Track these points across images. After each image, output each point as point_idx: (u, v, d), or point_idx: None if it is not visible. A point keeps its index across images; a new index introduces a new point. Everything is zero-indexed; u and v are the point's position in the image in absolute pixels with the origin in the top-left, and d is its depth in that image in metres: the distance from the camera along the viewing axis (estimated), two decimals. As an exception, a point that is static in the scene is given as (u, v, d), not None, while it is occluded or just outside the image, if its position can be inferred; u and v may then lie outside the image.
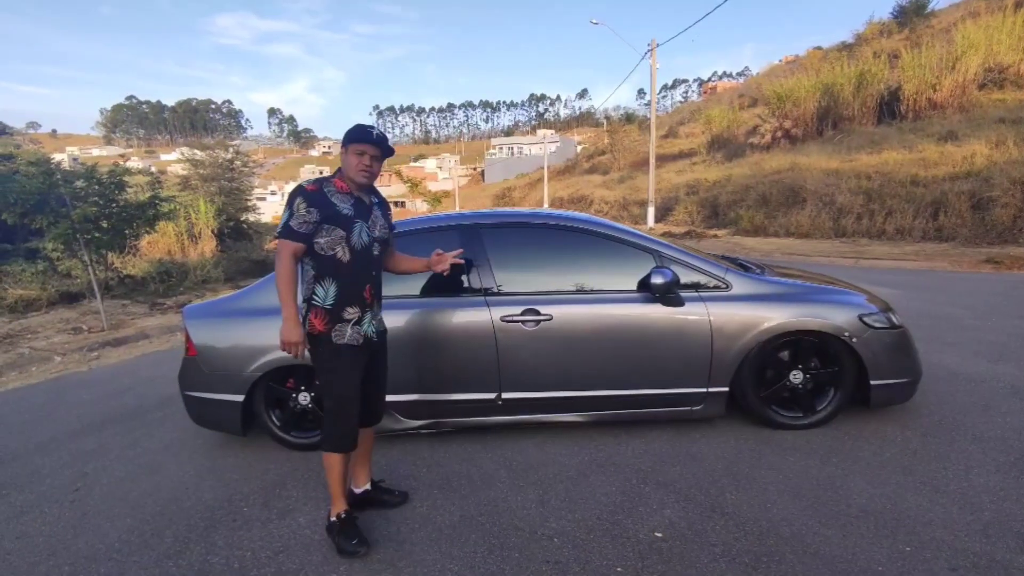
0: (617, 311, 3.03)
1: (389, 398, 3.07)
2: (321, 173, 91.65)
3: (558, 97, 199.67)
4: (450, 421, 3.21)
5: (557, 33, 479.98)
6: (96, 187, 6.97)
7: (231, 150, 34.56)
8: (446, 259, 2.58)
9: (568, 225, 3.19)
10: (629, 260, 3.12)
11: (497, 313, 3.02)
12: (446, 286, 3.12)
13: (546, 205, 40.88)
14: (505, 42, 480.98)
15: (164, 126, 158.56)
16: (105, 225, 6.90)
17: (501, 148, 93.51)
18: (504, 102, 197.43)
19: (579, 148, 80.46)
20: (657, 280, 2.88)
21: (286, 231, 2.21)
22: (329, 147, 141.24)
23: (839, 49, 35.16)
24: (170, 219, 12.14)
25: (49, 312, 8.32)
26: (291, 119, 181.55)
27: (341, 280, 2.27)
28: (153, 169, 38.60)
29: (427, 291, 3.14)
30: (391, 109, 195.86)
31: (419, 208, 39.34)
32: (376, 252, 2.37)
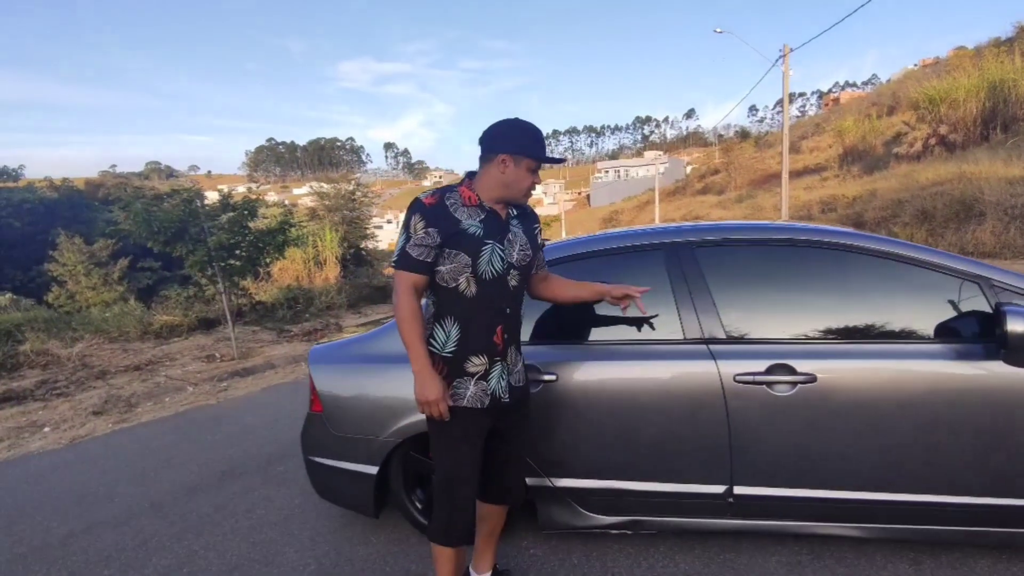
0: (931, 370, 1.96)
1: (567, 483, 2.25)
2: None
3: (664, 118, 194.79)
4: (654, 521, 2.27)
5: (663, 56, 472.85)
6: (231, 212, 7.00)
7: (352, 183, 36.85)
8: (630, 290, 1.99)
9: (842, 243, 2.17)
10: (942, 293, 2.05)
11: (728, 369, 2.07)
12: (648, 328, 2.24)
13: (657, 227, 38.93)
14: (609, 69, 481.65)
15: (296, 164, 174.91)
16: (239, 252, 6.92)
17: (607, 171, 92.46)
18: (608, 126, 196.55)
19: (688, 169, 77.64)
20: (1018, 326, 1.78)
21: (403, 259, 1.72)
22: (440, 176, 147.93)
23: (994, 45, 30.59)
24: (298, 245, 12.45)
25: (188, 338, 8.55)
26: (405, 152, 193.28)
27: (465, 320, 1.75)
28: (286, 202, 42.13)
29: (620, 334, 2.26)
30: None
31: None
32: (514, 282, 1.80)
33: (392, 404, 2.40)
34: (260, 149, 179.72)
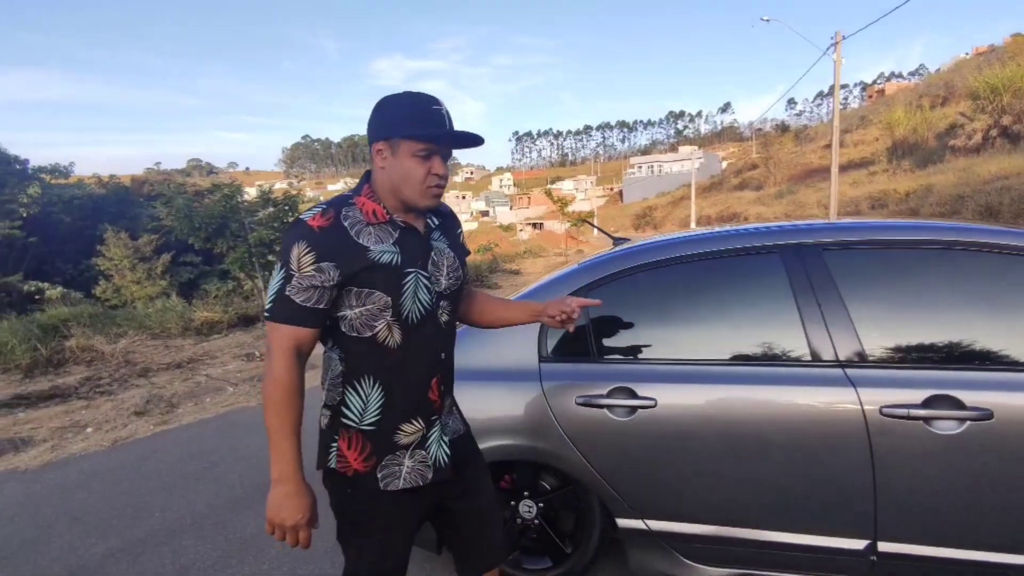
0: None
1: (666, 526, 1.93)
2: (462, 198, 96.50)
3: (698, 113, 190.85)
4: (772, 576, 1.92)
5: (696, 49, 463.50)
6: (271, 208, 6.87)
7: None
8: (571, 305, 1.48)
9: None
10: None
11: (873, 399, 1.70)
12: (765, 347, 1.88)
13: (693, 224, 38.27)
14: (642, 63, 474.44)
15: (331, 160, 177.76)
16: (279, 249, 6.76)
17: (640, 167, 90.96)
18: (641, 121, 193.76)
19: (724, 164, 75.87)
20: None
21: (280, 306, 1.19)
22: (472, 172, 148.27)
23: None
24: None
25: (228, 335, 8.49)
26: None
27: (389, 378, 1.28)
28: (321, 198, 42.75)
29: (734, 352, 1.92)
30: (528, 134, 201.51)
31: (556, 230, 38.57)
32: (445, 317, 1.36)
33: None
34: (296, 146, 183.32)
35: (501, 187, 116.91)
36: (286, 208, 6.91)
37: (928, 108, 32.72)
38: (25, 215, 21.88)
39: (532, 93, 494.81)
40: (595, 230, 2.95)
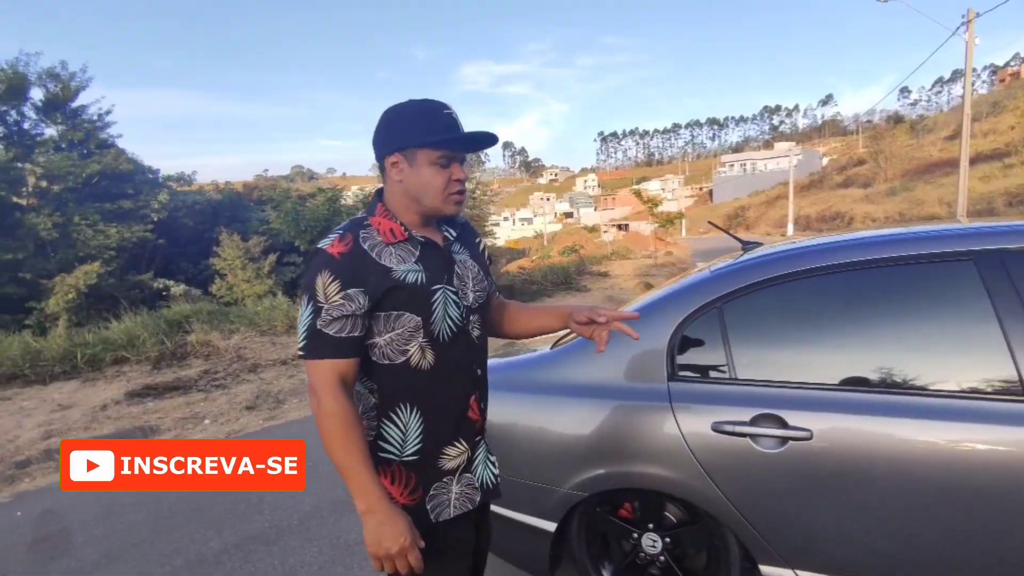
0: None
1: None
2: (546, 200, 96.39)
3: (795, 107, 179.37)
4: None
5: (794, 40, 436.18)
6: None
7: (473, 181, 37.82)
8: (608, 316, 1.34)
9: None
10: None
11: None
12: (954, 375, 1.57)
13: (791, 225, 35.89)
14: (733, 57, 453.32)
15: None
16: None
17: (732, 165, 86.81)
18: (732, 118, 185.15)
19: (825, 160, 70.90)
20: None
21: (316, 342, 1.13)
22: (556, 174, 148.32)
23: None
24: None
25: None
26: (523, 151, 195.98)
27: (427, 403, 1.22)
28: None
29: (915, 378, 1.61)
30: (614, 134, 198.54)
31: (643, 231, 37.38)
32: (476, 331, 1.32)
33: (577, 450, 1.95)
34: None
35: (585, 188, 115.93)
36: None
37: (1080, 91, 28.78)
38: (156, 219, 24.29)
39: (618, 93, 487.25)
40: (724, 233, 2.69)
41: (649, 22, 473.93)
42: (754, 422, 1.69)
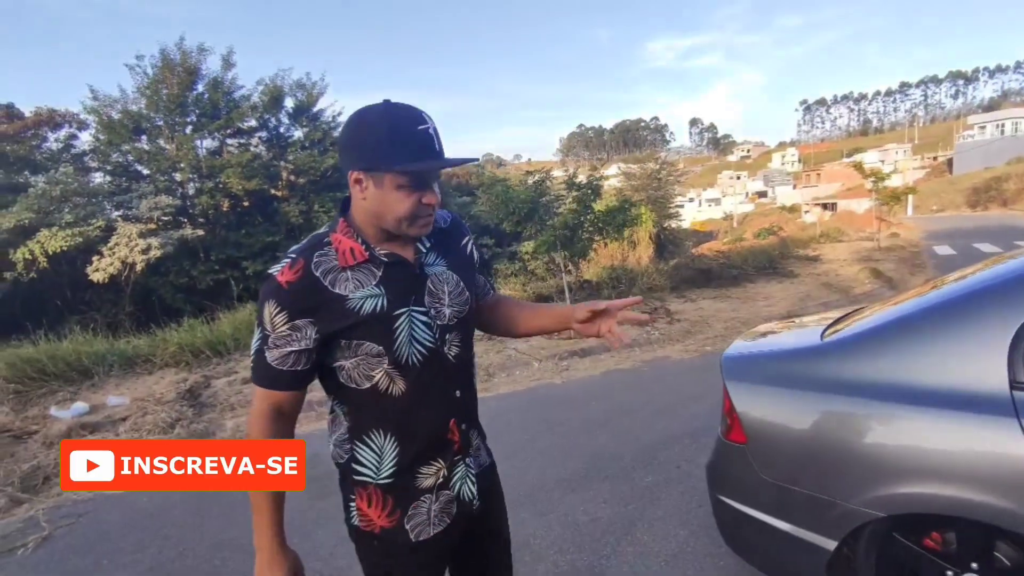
0: None
1: None
2: (737, 179, 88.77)
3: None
4: None
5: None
6: (576, 192, 7.12)
7: (657, 161, 36.48)
8: (610, 305, 1.20)
9: None
10: None
11: None
12: None
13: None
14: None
15: (603, 146, 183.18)
16: (580, 232, 7.02)
17: (983, 127, 70.85)
18: (985, 68, 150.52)
19: None
20: None
21: (257, 367, 1.10)
22: (748, 151, 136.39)
23: None
24: (637, 224, 12.37)
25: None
26: (711, 127, 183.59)
27: (401, 428, 1.14)
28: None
29: None
30: (821, 102, 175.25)
31: (855, 210, 31.98)
32: (455, 350, 1.17)
33: (877, 460, 1.66)
34: (572, 135, 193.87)
35: (783, 163, 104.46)
36: (588, 191, 7.09)
37: None
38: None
39: (825, 54, 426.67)
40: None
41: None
42: None
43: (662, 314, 8.17)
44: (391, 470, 1.15)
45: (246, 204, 22.84)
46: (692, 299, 9.42)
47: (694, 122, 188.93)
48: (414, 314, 1.12)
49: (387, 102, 1.08)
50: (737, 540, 2.09)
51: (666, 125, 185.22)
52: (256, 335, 1.10)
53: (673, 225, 26.40)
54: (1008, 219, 26.11)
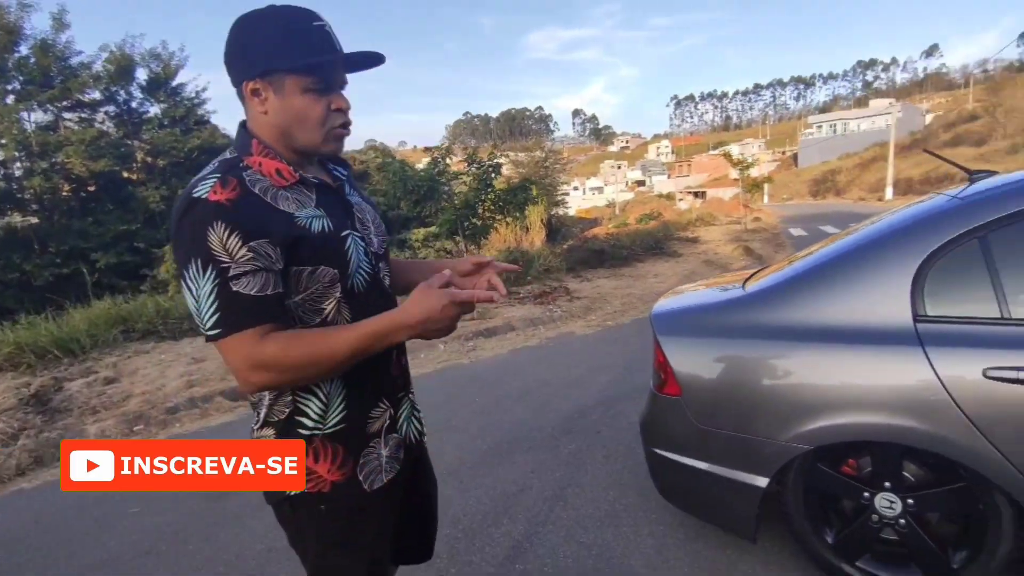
0: None
1: None
2: (618, 168, 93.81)
3: (892, 60, 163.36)
4: None
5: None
6: (476, 170, 7.01)
7: (543, 150, 37.41)
8: (492, 262, 1.22)
9: None
10: None
11: None
12: None
13: (889, 189, 33.10)
14: (822, 7, 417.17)
15: (490, 135, 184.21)
16: (480, 211, 6.93)
17: (820, 126, 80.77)
18: (820, 75, 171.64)
19: (928, 118, 64.70)
20: None
21: (234, 309, 0.89)
22: (627, 142, 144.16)
23: None
24: (539, 203, 12.46)
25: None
26: (593, 118, 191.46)
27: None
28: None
29: None
30: (690, 98, 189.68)
31: (722, 197, 35.33)
32: (388, 280, 1.14)
33: (802, 397, 1.75)
34: (458, 123, 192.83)
35: (658, 155, 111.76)
36: (489, 169, 7.01)
37: None
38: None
39: (693, 53, 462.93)
40: (946, 162, 2.36)
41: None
42: (1045, 368, 1.43)
43: (562, 293, 8.35)
44: (340, 415, 1.04)
45: (92, 188, 20.11)
46: (588, 279, 9.73)
47: (576, 113, 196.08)
48: (355, 238, 1.04)
49: (273, 4, 0.96)
50: (674, 491, 2.14)
51: (550, 115, 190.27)
52: (205, 281, 0.88)
53: (561, 212, 27.23)
54: (843, 206, 29.96)
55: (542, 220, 16.10)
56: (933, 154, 2.79)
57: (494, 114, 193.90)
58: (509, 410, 3.85)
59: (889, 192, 32.39)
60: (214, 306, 0.89)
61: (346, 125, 1.03)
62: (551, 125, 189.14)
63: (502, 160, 8.32)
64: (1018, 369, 1.45)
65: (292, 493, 1.04)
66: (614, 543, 2.21)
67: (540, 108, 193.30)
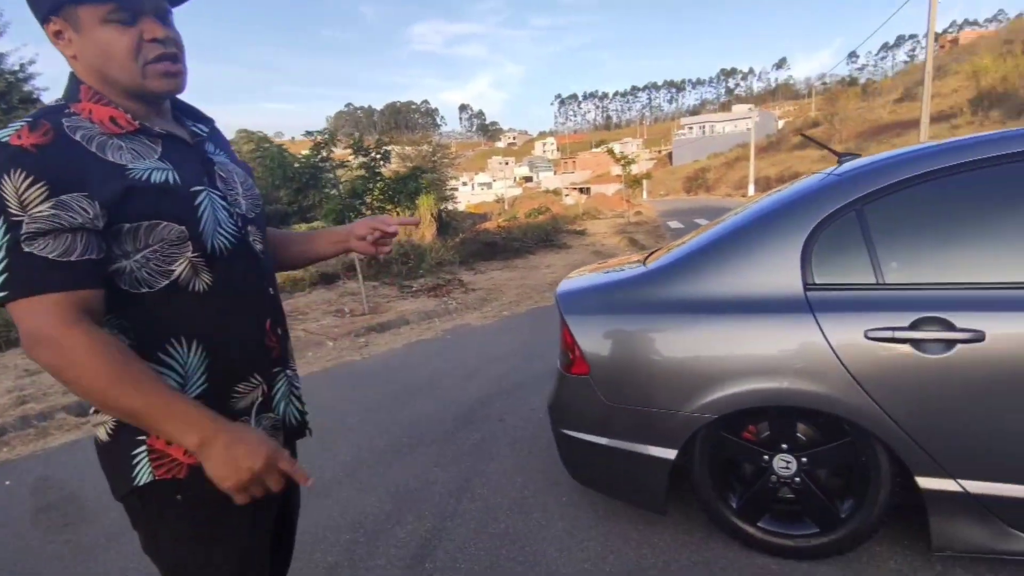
0: None
1: (987, 488, 1.58)
2: (506, 164, 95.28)
3: (750, 70, 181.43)
4: None
5: (749, 2, 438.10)
6: (363, 158, 6.64)
7: (431, 144, 36.98)
8: (386, 220, 1.18)
9: None
10: None
11: None
12: None
13: (751, 186, 36.61)
14: (690, 19, 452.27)
15: (374, 127, 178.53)
16: (369, 200, 6.59)
17: (690, 128, 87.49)
18: (690, 80, 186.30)
19: (781, 123, 72.37)
20: None
21: (22, 269, 0.76)
22: (514, 138, 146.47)
23: None
24: (429, 193, 12.16)
25: (311, 292, 8.42)
26: (480, 114, 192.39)
27: (208, 332, 0.91)
28: (370, 164, 42.95)
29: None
30: (573, 97, 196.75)
31: (606, 193, 37.31)
32: (260, 245, 1.02)
33: (705, 368, 1.78)
34: (340, 114, 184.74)
35: (544, 152, 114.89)
36: (377, 156, 6.67)
37: (1021, 54, 29.98)
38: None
39: (575, 54, 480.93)
40: (820, 146, 2.52)
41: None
42: (915, 327, 1.55)
43: (456, 285, 8.22)
44: (200, 389, 0.90)
45: None
46: (482, 271, 9.69)
47: (464, 108, 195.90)
48: (213, 195, 0.93)
49: None
50: (584, 471, 2.11)
51: (437, 109, 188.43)
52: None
53: (451, 207, 26.99)
54: (713, 202, 32.59)
55: (432, 214, 15.85)
56: (809, 138, 3.01)
57: (378, 106, 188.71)
58: (407, 405, 3.67)
59: (751, 188, 35.75)
60: (3, 263, 0.76)
61: (169, 58, 0.87)
62: (438, 119, 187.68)
63: (390, 148, 8.01)
64: (892, 329, 1.57)
65: (141, 482, 0.87)
66: (525, 530, 2.14)
67: (427, 102, 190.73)
